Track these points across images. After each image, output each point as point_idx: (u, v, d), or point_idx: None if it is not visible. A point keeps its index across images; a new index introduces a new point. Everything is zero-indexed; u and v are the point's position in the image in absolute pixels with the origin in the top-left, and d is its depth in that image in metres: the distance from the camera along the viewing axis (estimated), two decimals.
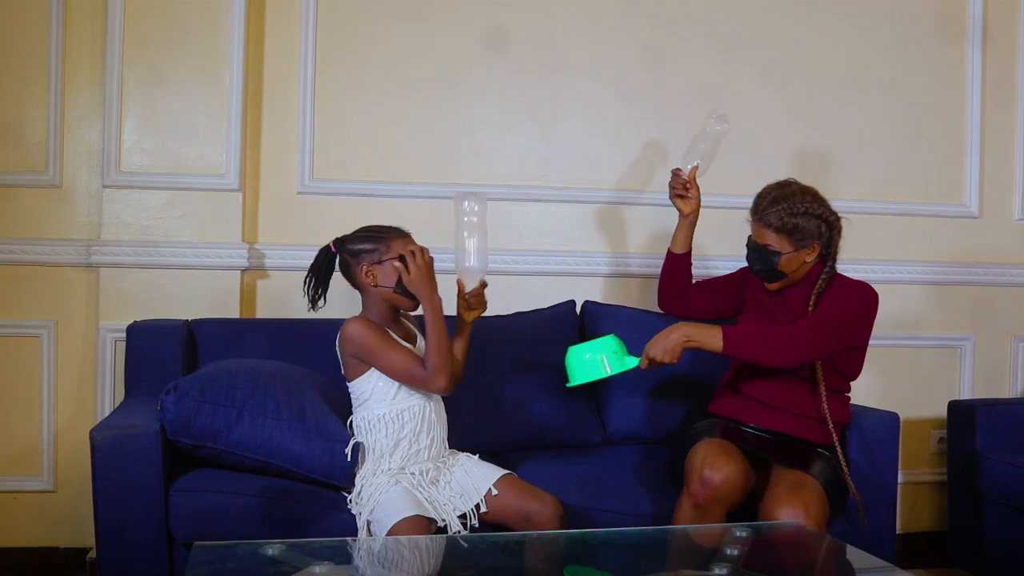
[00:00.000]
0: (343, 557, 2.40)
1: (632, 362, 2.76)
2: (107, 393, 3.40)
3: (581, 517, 2.79)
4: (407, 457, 2.71)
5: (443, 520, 2.62)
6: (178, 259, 3.39)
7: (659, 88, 3.77)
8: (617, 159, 3.76)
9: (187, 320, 3.25)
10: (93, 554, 3.06)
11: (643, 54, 3.75)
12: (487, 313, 3.40)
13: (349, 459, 2.70)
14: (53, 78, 3.43)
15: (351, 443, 2.71)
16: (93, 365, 3.42)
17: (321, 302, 2.81)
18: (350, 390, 2.79)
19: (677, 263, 3.29)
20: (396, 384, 2.72)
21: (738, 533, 2.44)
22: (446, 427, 2.84)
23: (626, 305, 3.59)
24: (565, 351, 2.81)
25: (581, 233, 3.73)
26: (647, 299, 3.67)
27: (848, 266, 3.85)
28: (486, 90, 3.68)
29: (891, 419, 3.11)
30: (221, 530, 2.59)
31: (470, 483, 2.71)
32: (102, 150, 3.40)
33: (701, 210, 3.31)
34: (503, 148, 3.69)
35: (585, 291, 3.59)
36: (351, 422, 2.79)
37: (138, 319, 3.25)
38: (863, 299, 2.91)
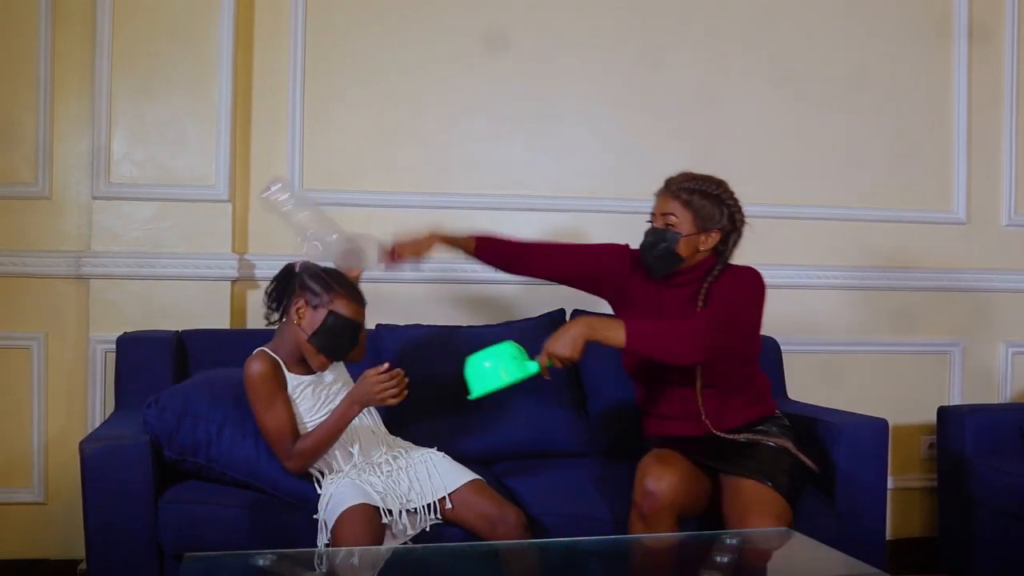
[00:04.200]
0: (334, 567, 2.41)
1: (533, 367, 2.62)
2: (97, 404, 3.40)
3: (570, 526, 2.79)
4: (349, 464, 2.70)
5: (388, 513, 2.60)
6: (168, 270, 3.39)
7: (649, 96, 3.79)
8: (607, 167, 3.77)
9: (177, 331, 3.26)
10: (84, 565, 3.05)
11: (634, 63, 3.77)
12: (478, 322, 3.43)
13: (319, 491, 2.68)
14: (42, 89, 3.44)
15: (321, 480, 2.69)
16: (83, 376, 3.42)
17: (275, 316, 2.76)
18: None
19: (480, 259, 3.06)
20: (307, 408, 2.69)
21: (726, 540, 2.44)
22: (379, 425, 2.81)
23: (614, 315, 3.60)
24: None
25: (570, 241, 3.73)
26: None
27: (837, 272, 3.89)
28: (475, 100, 3.69)
29: (880, 425, 3.11)
30: (211, 541, 2.59)
31: (431, 481, 2.70)
32: (92, 161, 3.41)
33: None
34: (492, 157, 3.70)
35: (574, 300, 3.58)
36: None
37: (128, 330, 3.25)
38: (754, 284, 2.84)
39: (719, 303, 2.79)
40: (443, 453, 2.81)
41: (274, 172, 3.54)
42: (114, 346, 3.23)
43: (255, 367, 2.66)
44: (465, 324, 3.46)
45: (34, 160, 3.45)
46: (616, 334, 2.63)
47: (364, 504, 2.54)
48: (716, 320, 2.72)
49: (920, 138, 3.99)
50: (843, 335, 3.91)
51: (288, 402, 2.67)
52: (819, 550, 2.48)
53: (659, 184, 2.96)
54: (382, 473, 2.69)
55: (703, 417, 2.81)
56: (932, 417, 3.74)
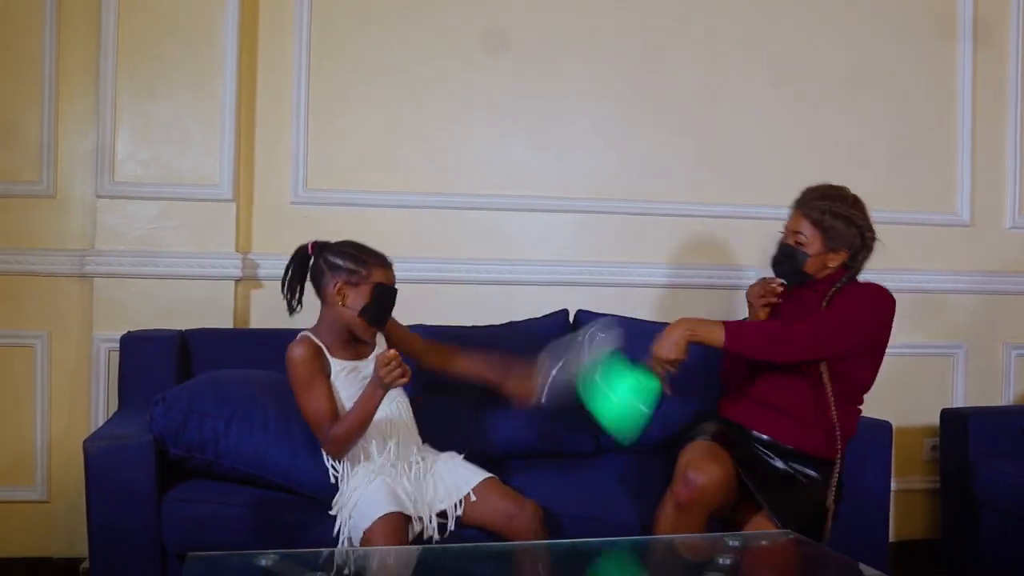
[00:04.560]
0: (336, 567, 2.40)
1: (654, 384, 2.68)
2: (101, 403, 3.40)
3: (573, 527, 2.79)
4: (378, 462, 2.68)
5: (419, 520, 2.61)
6: (172, 269, 3.39)
7: (651, 96, 3.78)
8: (609, 167, 3.76)
9: (181, 330, 3.26)
10: (86, 564, 3.05)
11: (635, 62, 3.76)
12: (479, 322, 3.43)
13: (333, 481, 2.68)
14: (47, 88, 3.44)
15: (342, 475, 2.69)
16: (87, 375, 3.42)
17: (298, 306, 2.75)
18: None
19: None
20: (347, 399, 2.68)
21: (730, 543, 2.44)
22: (413, 425, 2.81)
23: (619, 314, 3.59)
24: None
25: (574, 242, 3.74)
26: (639, 308, 3.67)
27: None
28: (477, 100, 3.68)
29: (884, 427, 3.11)
30: (214, 540, 2.59)
31: (452, 482, 2.71)
32: (96, 160, 3.41)
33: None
34: (495, 157, 3.70)
35: (578, 300, 3.59)
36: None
37: (132, 329, 3.26)
38: (875, 300, 2.87)
39: (830, 310, 2.82)
40: (461, 455, 2.81)
41: (278, 171, 3.55)
42: (118, 345, 3.23)
43: (297, 351, 2.66)
44: (468, 324, 3.45)
45: (38, 159, 3.44)
46: (716, 335, 2.72)
47: (398, 513, 2.54)
48: (820, 325, 2.77)
49: (923, 139, 3.99)
50: None
51: (328, 387, 2.66)
52: (822, 552, 2.48)
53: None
54: (411, 475, 2.68)
55: (835, 427, 2.79)
56: (935, 419, 3.74)
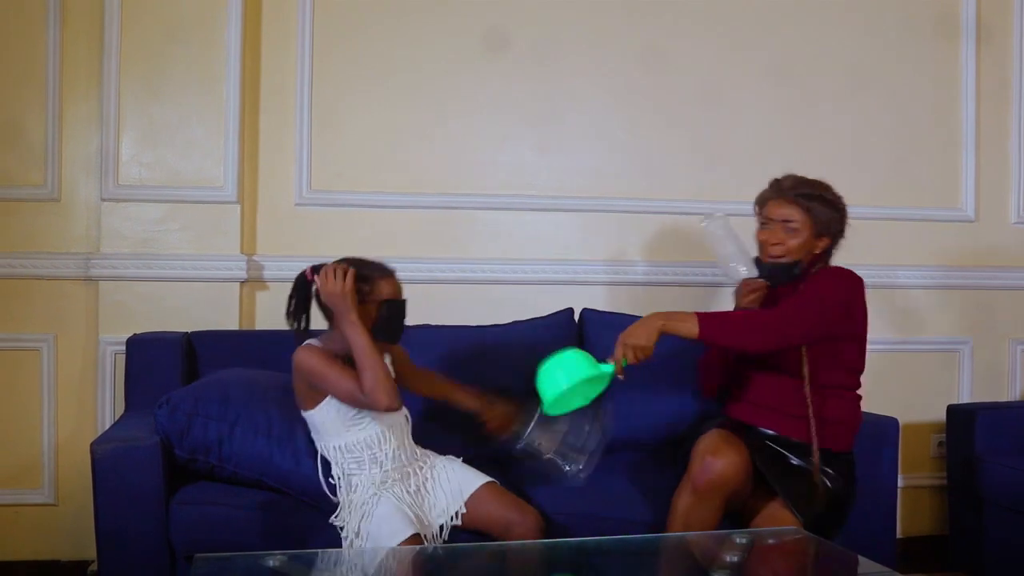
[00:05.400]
0: (343, 568, 2.41)
1: (607, 369, 2.61)
2: (107, 406, 3.40)
3: (581, 525, 2.79)
4: (378, 474, 2.67)
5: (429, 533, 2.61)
6: (177, 271, 3.39)
7: (654, 96, 3.78)
8: (615, 166, 3.76)
9: (186, 332, 3.26)
10: (95, 567, 3.06)
11: (638, 63, 3.76)
12: (484, 321, 3.42)
13: (327, 490, 2.67)
14: (51, 91, 3.44)
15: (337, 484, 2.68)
16: (93, 378, 3.42)
17: (304, 333, 2.70)
18: (307, 421, 2.72)
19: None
20: (345, 414, 2.65)
21: (738, 540, 2.44)
22: (409, 435, 2.78)
23: (624, 313, 3.59)
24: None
25: (579, 241, 3.74)
26: (645, 306, 3.66)
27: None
28: (482, 99, 3.69)
29: (890, 424, 3.11)
30: (222, 542, 2.60)
31: (451, 489, 2.70)
32: (100, 163, 3.41)
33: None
34: (500, 157, 3.70)
35: (583, 299, 3.59)
36: (322, 456, 2.72)
37: (138, 332, 3.26)
38: (843, 281, 2.85)
39: (799, 295, 2.80)
40: (460, 459, 2.80)
41: (282, 173, 3.56)
42: (123, 347, 3.23)
43: (304, 351, 2.63)
44: (474, 324, 3.45)
45: (43, 162, 3.45)
46: (689, 326, 2.67)
47: (415, 535, 2.52)
48: (792, 310, 2.75)
49: (927, 135, 3.98)
50: None
51: (346, 365, 2.60)
52: (829, 548, 2.48)
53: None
54: (410, 487, 2.67)
55: (810, 418, 2.78)
56: (941, 415, 3.73)
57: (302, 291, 2.70)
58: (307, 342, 2.69)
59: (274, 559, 2.17)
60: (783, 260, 2.87)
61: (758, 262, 2.91)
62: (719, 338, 2.73)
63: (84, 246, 3.45)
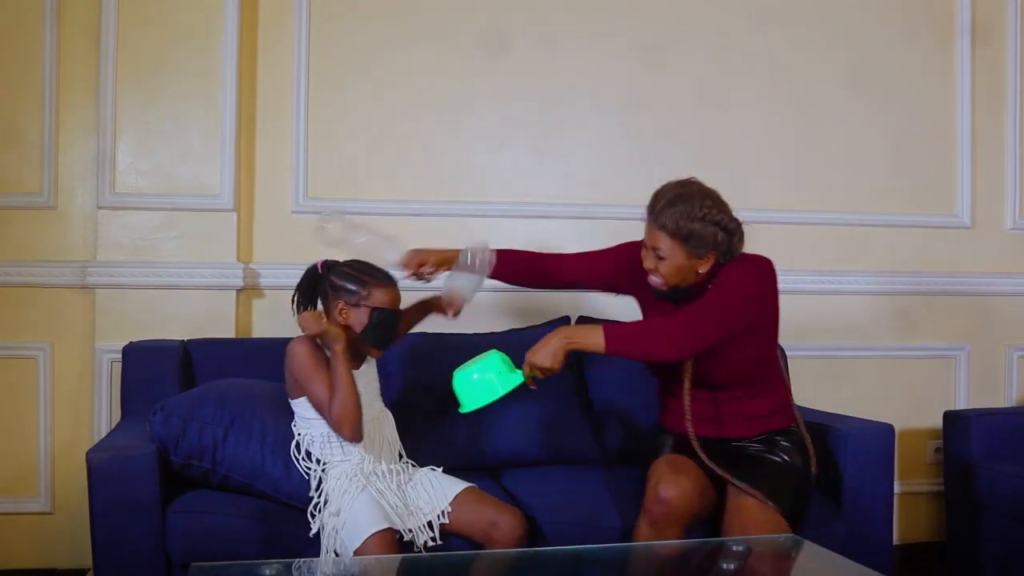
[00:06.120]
0: None
1: (518, 378, 2.60)
2: (104, 414, 3.40)
3: (576, 533, 2.79)
4: (360, 465, 2.68)
5: (408, 532, 2.61)
6: (174, 279, 3.39)
7: (651, 102, 3.79)
8: (611, 173, 3.77)
9: (183, 340, 3.26)
10: (91, 575, 3.06)
11: (636, 69, 3.77)
12: (482, 330, 3.43)
13: (306, 477, 2.69)
14: (47, 99, 3.45)
15: (314, 473, 2.69)
16: (89, 386, 3.42)
17: None
18: (293, 408, 2.75)
19: (500, 278, 2.97)
20: None
21: (733, 547, 2.44)
22: (396, 437, 2.81)
23: (620, 320, 3.59)
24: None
25: (574, 248, 3.72)
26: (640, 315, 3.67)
27: (841, 277, 3.89)
28: (478, 107, 3.69)
29: (886, 430, 3.11)
30: (218, 551, 2.59)
31: (433, 494, 2.70)
32: (97, 171, 3.42)
33: None
34: (496, 164, 3.71)
35: (579, 307, 3.59)
36: (296, 442, 2.74)
37: (134, 339, 3.26)
38: (754, 272, 2.70)
39: (705, 297, 2.67)
40: (440, 469, 2.80)
41: (279, 180, 3.56)
42: (120, 355, 3.23)
43: (299, 344, 2.66)
44: (468, 332, 3.45)
45: (39, 170, 3.45)
46: (595, 340, 2.60)
47: (388, 529, 2.53)
48: (696, 316, 2.63)
49: (923, 142, 3.99)
50: (848, 340, 3.91)
51: (330, 377, 2.63)
52: (826, 556, 2.48)
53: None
54: (392, 485, 2.68)
55: (687, 418, 2.72)
56: (938, 422, 3.73)
57: (310, 283, 2.77)
58: (302, 335, 2.71)
59: (270, 568, 2.17)
60: (662, 291, 2.73)
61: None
62: (626, 350, 2.64)
63: (81, 254, 3.45)
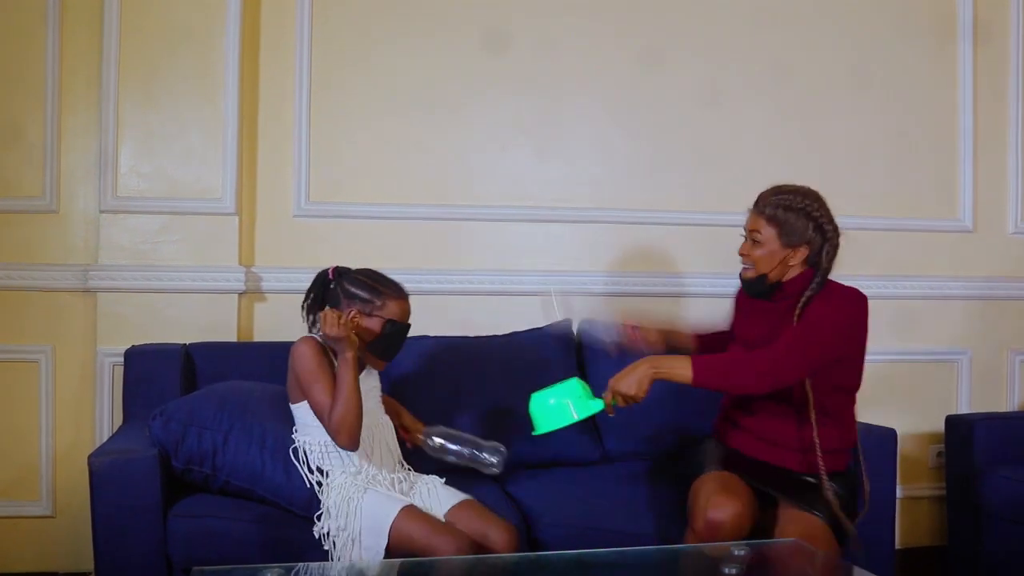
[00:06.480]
0: None
1: (597, 405, 2.62)
2: (105, 417, 3.40)
3: (578, 536, 2.79)
4: (363, 470, 2.68)
5: None
6: (175, 283, 3.39)
7: (652, 105, 3.79)
8: (613, 177, 3.76)
9: (185, 344, 3.26)
10: None
11: (636, 72, 3.76)
12: (483, 332, 3.43)
13: (309, 485, 2.68)
14: (49, 103, 3.44)
15: (315, 482, 2.69)
16: (91, 390, 3.42)
17: (317, 324, 2.75)
18: (293, 413, 2.74)
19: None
20: None
21: (736, 552, 2.44)
22: (396, 445, 2.80)
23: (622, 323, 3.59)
24: (563, 378, 2.68)
25: (578, 252, 3.74)
26: (643, 318, 3.66)
27: (843, 281, 3.87)
28: (481, 110, 3.69)
29: (888, 435, 3.11)
30: (220, 555, 2.60)
31: (430, 503, 2.70)
32: (99, 175, 3.41)
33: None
34: (498, 167, 3.71)
35: (582, 310, 3.58)
36: (295, 448, 2.73)
37: (136, 343, 3.26)
38: (846, 307, 2.74)
39: (798, 330, 2.68)
40: (443, 479, 2.79)
41: (281, 184, 3.55)
42: (122, 359, 3.23)
43: (306, 344, 2.66)
44: (473, 335, 3.45)
45: (41, 173, 3.45)
46: (683, 371, 2.62)
47: (409, 504, 2.56)
48: (789, 350, 2.65)
49: (924, 145, 3.99)
50: None
51: (334, 381, 2.63)
52: (827, 560, 2.48)
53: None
54: (395, 491, 2.68)
55: (818, 452, 2.70)
56: (940, 426, 3.73)
57: (320, 288, 2.78)
58: (309, 335, 2.72)
59: (272, 572, 2.17)
60: (749, 276, 2.81)
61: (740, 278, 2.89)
62: (713, 382, 2.67)
63: (82, 257, 3.45)
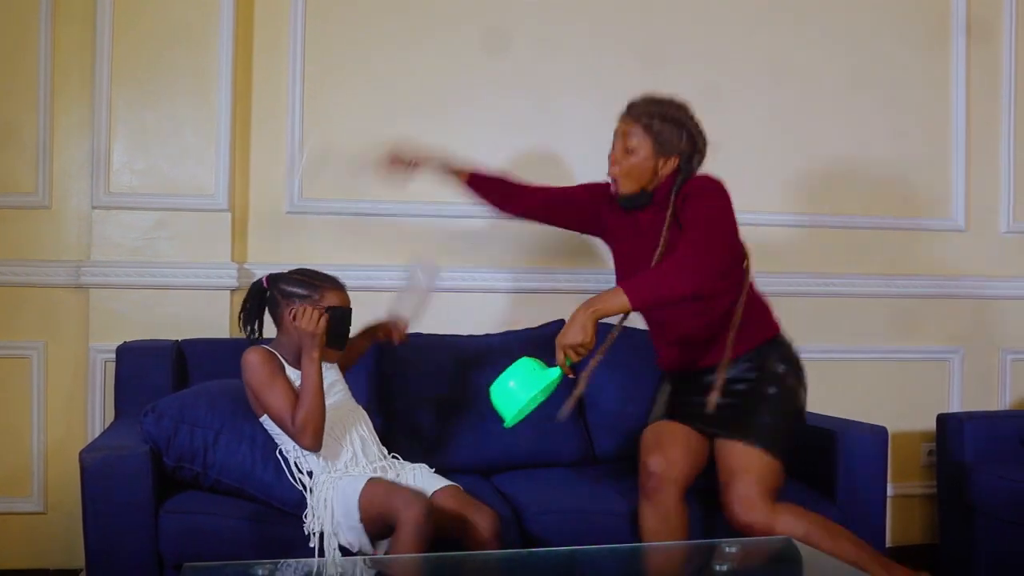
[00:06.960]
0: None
1: (554, 372, 2.56)
2: (97, 414, 3.40)
3: (571, 520, 2.81)
4: (348, 464, 2.71)
5: None
6: (168, 279, 3.39)
7: None
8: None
9: (177, 340, 3.26)
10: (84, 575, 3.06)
11: (634, 68, 3.75)
12: (476, 331, 3.43)
13: (300, 488, 2.69)
14: (42, 99, 3.44)
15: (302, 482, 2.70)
16: (83, 386, 3.42)
17: (258, 337, 2.82)
18: (264, 424, 2.76)
19: (473, 190, 3.13)
20: None
21: (727, 549, 2.44)
22: (372, 433, 2.82)
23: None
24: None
25: (570, 250, 3.73)
26: (635, 316, 3.66)
27: (836, 279, 3.89)
28: (475, 107, 3.69)
29: (880, 433, 3.11)
30: (211, 551, 2.59)
31: (418, 486, 2.70)
32: (91, 171, 3.41)
33: None
34: (494, 165, 3.69)
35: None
36: (281, 450, 2.74)
37: (128, 340, 3.26)
38: (718, 194, 2.78)
39: (694, 226, 2.70)
40: (433, 469, 2.80)
41: (274, 181, 3.55)
42: (114, 355, 3.23)
43: (253, 355, 2.69)
44: (465, 334, 3.45)
45: (34, 170, 3.45)
46: (618, 301, 2.58)
47: (374, 478, 2.59)
48: (701, 238, 2.66)
49: (918, 143, 3.99)
50: (842, 342, 3.91)
51: (289, 384, 2.68)
52: (819, 558, 2.48)
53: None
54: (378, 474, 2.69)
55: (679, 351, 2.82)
56: (932, 424, 3.73)
57: (257, 298, 2.82)
58: (259, 345, 2.75)
59: (263, 569, 2.17)
60: (629, 191, 2.84)
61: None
62: (651, 299, 2.64)
63: (75, 254, 3.45)
